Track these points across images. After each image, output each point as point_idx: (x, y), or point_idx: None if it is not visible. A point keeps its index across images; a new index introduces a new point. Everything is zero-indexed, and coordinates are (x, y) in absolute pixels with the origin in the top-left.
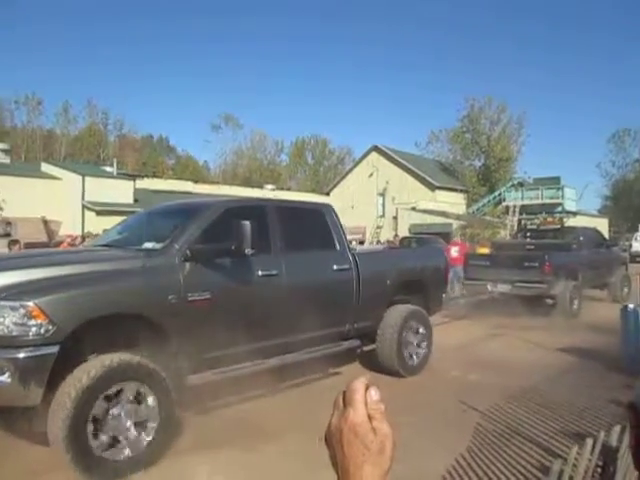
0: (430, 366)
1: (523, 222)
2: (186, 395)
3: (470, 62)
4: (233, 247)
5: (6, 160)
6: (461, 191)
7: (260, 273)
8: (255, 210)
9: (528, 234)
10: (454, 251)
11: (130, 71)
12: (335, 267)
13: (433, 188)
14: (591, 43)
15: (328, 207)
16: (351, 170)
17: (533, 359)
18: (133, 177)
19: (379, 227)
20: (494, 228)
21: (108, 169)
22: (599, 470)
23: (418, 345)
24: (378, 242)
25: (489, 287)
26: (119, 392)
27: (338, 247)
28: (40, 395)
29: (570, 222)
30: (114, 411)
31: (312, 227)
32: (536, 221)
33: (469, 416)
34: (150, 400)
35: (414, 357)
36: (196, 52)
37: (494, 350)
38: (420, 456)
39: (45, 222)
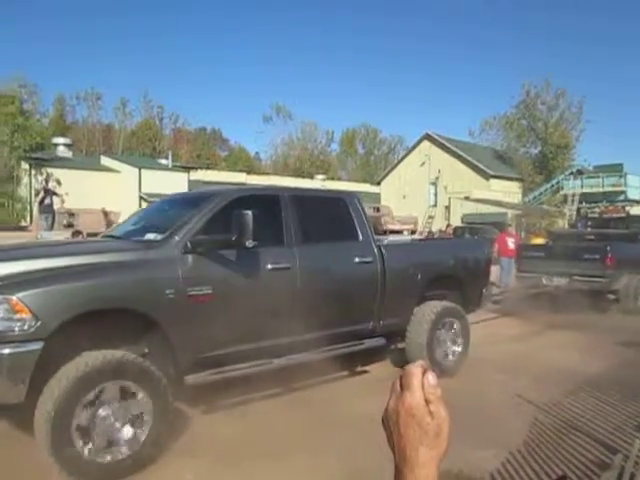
0: (469, 366)
1: (583, 211)
2: (193, 392)
3: (527, 50)
4: (233, 239)
5: (68, 154)
6: (516, 179)
7: (270, 267)
8: (267, 199)
9: (589, 223)
10: (510, 242)
11: (184, 65)
12: (357, 260)
13: (487, 177)
14: None
15: (352, 196)
16: (402, 159)
17: (587, 358)
18: (187, 169)
19: (431, 217)
20: (551, 218)
21: (163, 161)
22: None
23: (453, 344)
24: (429, 232)
25: (544, 280)
26: (107, 393)
27: (361, 238)
28: (22, 394)
29: (634, 211)
30: (102, 412)
31: (333, 217)
32: (597, 210)
33: (525, 409)
34: (144, 401)
35: (448, 357)
36: (248, 42)
37: (544, 349)
38: (472, 449)
39: (105, 213)
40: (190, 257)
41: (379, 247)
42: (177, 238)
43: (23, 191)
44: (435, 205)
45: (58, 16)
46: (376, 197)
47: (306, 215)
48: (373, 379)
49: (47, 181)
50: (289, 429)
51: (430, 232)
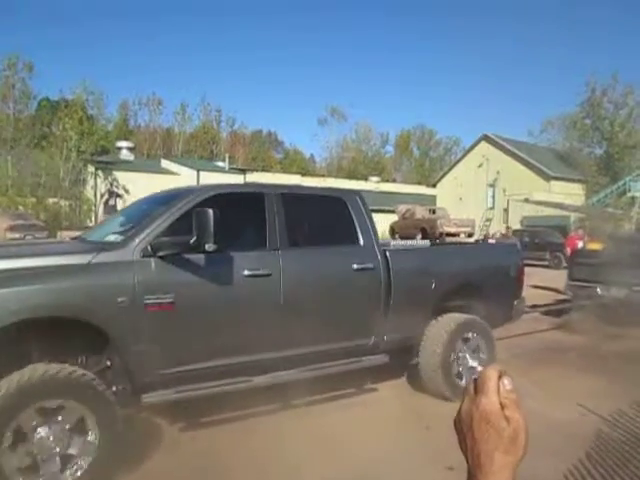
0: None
1: None
2: (173, 406)
3: (590, 49)
4: (191, 241)
5: (131, 157)
6: (579, 181)
7: (246, 273)
8: (250, 198)
9: None
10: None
11: (241, 67)
12: (356, 266)
13: (548, 178)
14: None
15: (352, 194)
16: (459, 161)
17: None
18: (243, 171)
19: (488, 219)
20: (617, 221)
21: (220, 164)
22: None
23: (474, 362)
24: (486, 235)
25: (599, 290)
26: (42, 412)
27: (362, 242)
28: None
29: None
30: (37, 435)
31: (329, 218)
32: None
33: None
34: (87, 423)
35: (468, 377)
36: (304, 43)
37: (588, 368)
38: (530, 459)
39: None
40: (151, 261)
41: (384, 252)
42: (137, 240)
43: (89, 193)
44: (493, 207)
45: (122, 18)
46: (432, 199)
47: (296, 216)
48: (379, 400)
49: (112, 184)
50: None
51: (487, 235)
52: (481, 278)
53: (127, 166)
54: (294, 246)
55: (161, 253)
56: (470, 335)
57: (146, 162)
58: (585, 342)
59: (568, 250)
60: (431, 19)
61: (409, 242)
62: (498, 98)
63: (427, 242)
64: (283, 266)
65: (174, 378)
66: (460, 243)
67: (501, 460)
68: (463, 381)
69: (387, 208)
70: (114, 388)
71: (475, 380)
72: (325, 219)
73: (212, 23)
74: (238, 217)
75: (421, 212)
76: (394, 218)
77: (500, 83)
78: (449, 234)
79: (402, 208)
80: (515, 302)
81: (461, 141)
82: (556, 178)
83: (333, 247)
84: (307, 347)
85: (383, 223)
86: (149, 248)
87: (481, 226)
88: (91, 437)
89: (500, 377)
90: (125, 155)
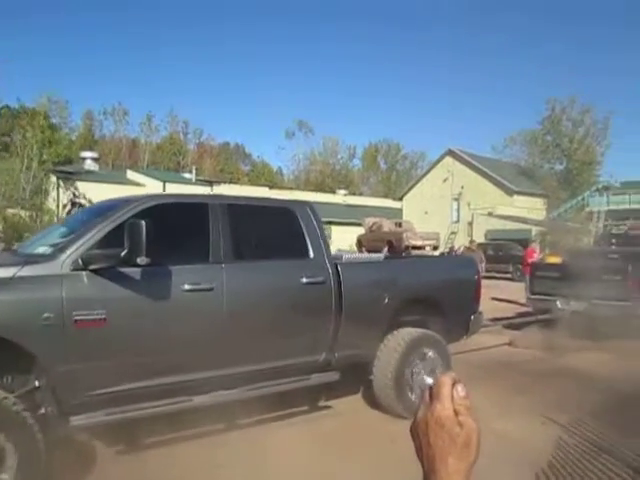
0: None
1: (607, 228)
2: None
3: (552, 65)
4: (122, 254)
5: (95, 168)
6: (541, 196)
7: (186, 287)
8: (192, 208)
9: (613, 241)
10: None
11: (208, 79)
12: (304, 280)
13: (511, 193)
14: None
15: (303, 206)
16: (425, 175)
17: (610, 380)
18: (211, 183)
19: (453, 233)
20: (577, 235)
21: (187, 176)
22: None
23: (429, 378)
24: (451, 248)
25: (559, 304)
26: None
27: (312, 255)
28: None
29: None
30: None
31: (277, 230)
32: (622, 227)
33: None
34: (5, 452)
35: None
36: (270, 57)
37: (559, 373)
38: (496, 469)
39: None
40: (83, 275)
41: (335, 265)
42: (67, 252)
43: (51, 203)
44: (458, 221)
45: (89, 31)
46: (398, 212)
47: (242, 228)
48: (328, 418)
49: (75, 194)
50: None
51: (452, 248)
52: (437, 292)
53: (91, 177)
54: (239, 259)
55: (93, 266)
56: (425, 350)
57: (111, 173)
58: (541, 356)
59: (526, 263)
60: (398, 34)
61: (362, 255)
62: (463, 114)
63: (381, 255)
64: (227, 280)
65: (107, 399)
66: (420, 256)
67: (455, 465)
68: (416, 399)
69: (355, 221)
70: (43, 410)
71: (430, 388)
72: (274, 231)
73: (180, 35)
74: (179, 229)
75: (388, 225)
76: (361, 231)
77: (465, 99)
78: (415, 247)
79: (369, 221)
80: (472, 316)
81: (427, 155)
82: (519, 193)
83: (281, 260)
84: (252, 365)
85: (351, 236)
86: (80, 261)
87: (446, 239)
88: (8, 470)
89: (454, 384)
90: (89, 165)
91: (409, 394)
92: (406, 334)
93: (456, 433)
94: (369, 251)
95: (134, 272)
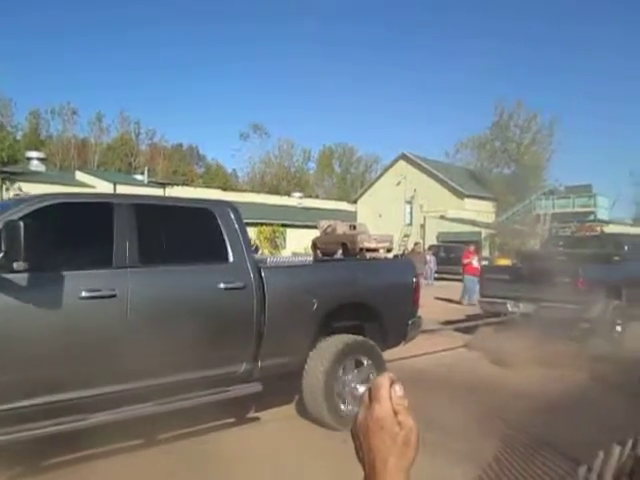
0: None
1: (553, 230)
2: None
3: (501, 69)
4: None
5: (42, 168)
6: (490, 199)
7: (83, 294)
8: (94, 209)
9: (560, 243)
10: (475, 261)
11: (161, 80)
12: (222, 285)
13: (462, 196)
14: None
15: (223, 206)
16: (379, 178)
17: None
18: (163, 185)
19: (407, 235)
20: (524, 237)
21: (139, 177)
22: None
23: (362, 387)
24: (404, 251)
25: (509, 307)
26: None
27: (232, 259)
28: None
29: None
30: None
31: (194, 232)
32: (567, 230)
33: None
34: None
35: (355, 405)
36: (225, 57)
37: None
38: (443, 465)
39: None
40: None
41: (258, 270)
42: None
43: None
44: (411, 224)
45: (33, 31)
46: (353, 215)
47: (152, 230)
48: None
49: (19, 195)
50: None
51: (406, 250)
52: (371, 296)
53: (38, 177)
54: (148, 263)
55: None
56: (358, 358)
57: (59, 174)
58: (487, 359)
59: (462, 264)
60: (343, 29)
61: (290, 259)
62: (417, 119)
63: (310, 259)
64: (132, 286)
65: None
66: (354, 259)
67: (396, 464)
68: (349, 408)
69: (310, 224)
70: None
71: (369, 389)
72: (190, 233)
73: (132, 36)
74: (78, 231)
75: (342, 228)
76: (317, 234)
77: (419, 105)
78: (369, 249)
79: (324, 224)
80: (410, 321)
81: (380, 159)
82: (469, 196)
83: (197, 264)
84: (161, 378)
85: (306, 239)
86: None
87: (400, 242)
88: None
89: (392, 384)
90: (36, 166)
91: (340, 404)
92: (337, 341)
93: (395, 433)
94: (324, 254)
95: (19, 278)
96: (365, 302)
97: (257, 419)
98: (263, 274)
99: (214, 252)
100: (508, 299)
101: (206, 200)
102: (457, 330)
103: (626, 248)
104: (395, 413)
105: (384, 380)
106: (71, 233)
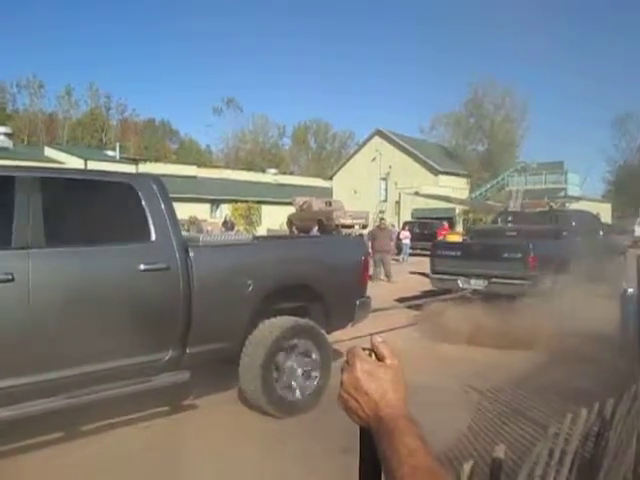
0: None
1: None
2: None
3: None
4: None
5: (9, 144)
6: (464, 176)
7: None
8: None
9: (509, 218)
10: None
11: (132, 53)
12: (142, 267)
13: (436, 173)
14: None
15: (145, 179)
16: (354, 155)
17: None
18: (135, 161)
19: (382, 212)
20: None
21: (110, 153)
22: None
23: (305, 374)
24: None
25: (460, 283)
26: None
27: (155, 237)
28: None
29: (573, 207)
30: None
31: (109, 209)
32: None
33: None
34: None
35: (297, 391)
36: (198, 32)
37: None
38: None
39: None
40: None
41: (186, 249)
42: None
43: None
44: (386, 200)
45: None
46: (328, 192)
47: (61, 207)
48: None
49: None
50: None
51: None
52: (314, 276)
53: (4, 153)
54: (55, 244)
55: None
56: (298, 342)
57: (27, 149)
58: (436, 339)
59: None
60: (328, 16)
61: (224, 237)
62: (392, 93)
63: (248, 237)
64: (33, 268)
65: None
66: (296, 237)
67: (394, 396)
68: (289, 396)
69: (285, 200)
70: None
71: (346, 356)
72: (105, 210)
73: (103, 9)
74: None
75: (318, 204)
76: (292, 210)
77: (394, 80)
78: (344, 226)
79: (299, 200)
80: (358, 302)
81: (355, 135)
82: (444, 173)
83: (112, 244)
84: (72, 369)
85: (281, 215)
86: None
87: (375, 218)
88: None
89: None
90: (2, 142)
91: (278, 390)
92: (275, 325)
93: (384, 372)
94: (300, 230)
95: None
96: (307, 283)
97: (195, 407)
98: (191, 254)
99: (134, 230)
100: (459, 275)
101: (126, 174)
102: (409, 307)
103: (574, 224)
104: (381, 358)
105: (356, 349)
106: None
